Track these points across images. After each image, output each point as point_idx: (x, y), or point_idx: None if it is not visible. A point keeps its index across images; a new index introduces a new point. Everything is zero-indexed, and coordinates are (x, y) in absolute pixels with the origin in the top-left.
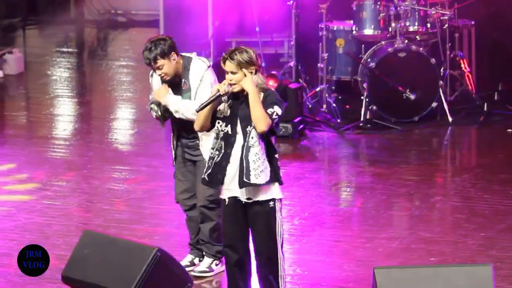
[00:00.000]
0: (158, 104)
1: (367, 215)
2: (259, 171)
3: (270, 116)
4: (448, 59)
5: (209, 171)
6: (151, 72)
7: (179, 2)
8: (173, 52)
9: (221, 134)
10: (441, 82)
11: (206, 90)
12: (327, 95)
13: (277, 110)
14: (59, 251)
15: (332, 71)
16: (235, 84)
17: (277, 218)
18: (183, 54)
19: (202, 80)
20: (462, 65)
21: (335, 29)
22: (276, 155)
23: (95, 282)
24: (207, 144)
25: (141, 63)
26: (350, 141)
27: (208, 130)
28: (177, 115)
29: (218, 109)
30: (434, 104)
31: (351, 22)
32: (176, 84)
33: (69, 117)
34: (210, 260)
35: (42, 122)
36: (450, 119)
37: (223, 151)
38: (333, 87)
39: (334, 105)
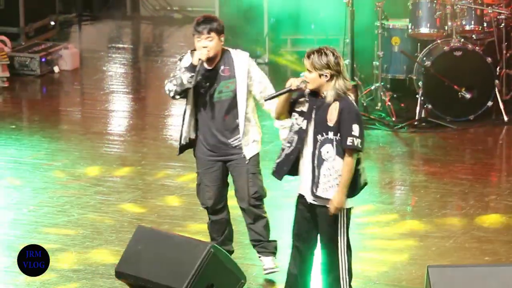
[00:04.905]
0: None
1: (420, 214)
2: (328, 186)
3: (352, 146)
4: (504, 58)
5: (279, 160)
6: (179, 57)
7: None
8: (223, 34)
9: (296, 127)
10: (496, 81)
11: (259, 71)
12: (382, 93)
13: (355, 132)
14: (113, 247)
15: (387, 69)
16: (308, 82)
17: (339, 224)
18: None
19: (250, 65)
20: None
21: (390, 27)
22: (358, 166)
23: (148, 277)
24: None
25: None
26: (404, 140)
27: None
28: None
29: (299, 100)
30: (490, 103)
31: (407, 20)
32: (212, 70)
33: (123, 113)
34: (270, 257)
35: (97, 118)
36: (505, 118)
37: (294, 145)
38: (388, 85)
39: (388, 103)
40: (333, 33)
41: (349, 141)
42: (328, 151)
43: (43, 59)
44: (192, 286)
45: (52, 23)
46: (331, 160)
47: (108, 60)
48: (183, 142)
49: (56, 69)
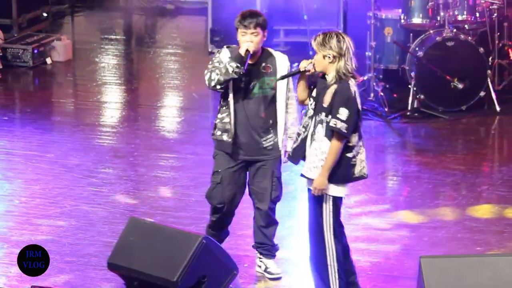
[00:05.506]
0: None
1: (413, 204)
2: (313, 166)
3: (334, 128)
4: (496, 49)
5: (295, 145)
6: (217, 50)
7: None
8: (267, 30)
9: (310, 112)
10: (489, 71)
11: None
12: (374, 83)
13: (342, 115)
14: (105, 238)
15: (380, 59)
16: (314, 64)
17: (324, 211)
18: None
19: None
20: (511, 54)
21: (383, 17)
22: (349, 154)
23: (140, 269)
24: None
25: (189, 51)
26: (396, 130)
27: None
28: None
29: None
30: (482, 93)
31: (400, 10)
32: (253, 65)
33: (116, 104)
34: (272, 260)
35: (90, 109)
36: (497, 108)
37: (307, 129)
38: (380, 76)
39: (381, 93)
40: (326, 23)
41: (332, 122)
42: (319, 131)
43: (36, 51)
44: (184, 277)
45: (45, 14)
46: (319, 140)
47: (101, 51)
48: (227, 138)
49: (48, 60)
